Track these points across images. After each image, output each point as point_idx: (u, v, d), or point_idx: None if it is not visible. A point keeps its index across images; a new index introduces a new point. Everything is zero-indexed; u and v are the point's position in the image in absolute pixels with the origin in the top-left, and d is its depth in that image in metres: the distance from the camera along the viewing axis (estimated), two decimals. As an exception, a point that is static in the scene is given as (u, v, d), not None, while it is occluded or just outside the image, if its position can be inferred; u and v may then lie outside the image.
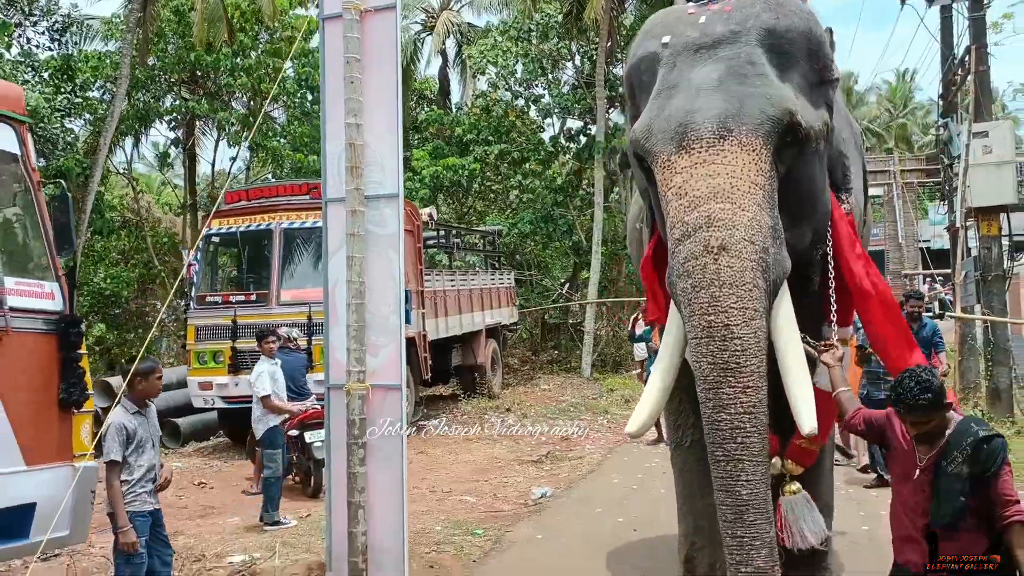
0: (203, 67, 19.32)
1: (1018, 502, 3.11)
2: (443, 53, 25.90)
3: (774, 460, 3.82)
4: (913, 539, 3.35)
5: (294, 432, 8.00)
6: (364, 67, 5.59)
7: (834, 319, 3.92)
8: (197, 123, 21.83)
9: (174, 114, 20.50)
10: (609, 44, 19.14)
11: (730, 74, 3.61)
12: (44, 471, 4.67)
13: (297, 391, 8.29)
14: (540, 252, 23.48)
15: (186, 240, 20.69)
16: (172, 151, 22.91)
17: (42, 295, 4.76)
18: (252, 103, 21.11)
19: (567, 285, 23.69)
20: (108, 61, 18.38)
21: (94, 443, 4.90)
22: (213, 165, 23.32)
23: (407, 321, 7.97)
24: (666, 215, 3.58)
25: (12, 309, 4.51)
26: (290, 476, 8.40)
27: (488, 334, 14.85)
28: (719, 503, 3.31)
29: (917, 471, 3.29)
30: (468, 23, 25.59)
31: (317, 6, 6.21)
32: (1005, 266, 11.30)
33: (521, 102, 22.50)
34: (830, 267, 3.92)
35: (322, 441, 7.74)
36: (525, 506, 7.84)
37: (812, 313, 3.89)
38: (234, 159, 24.08)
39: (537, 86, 22.69)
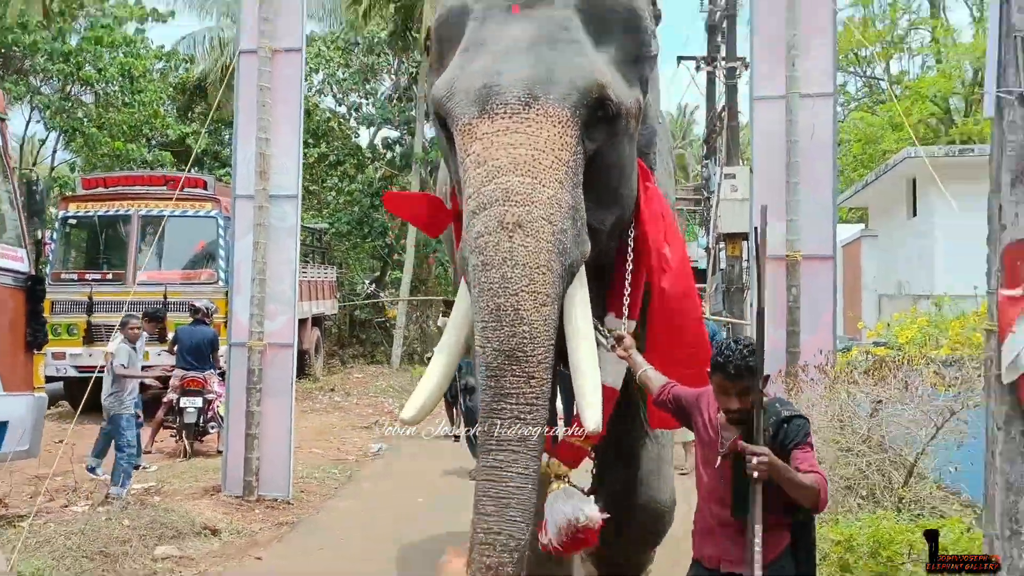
0: (20, 48, 19.28)
1: (820, 473, 2.91)
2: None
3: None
4: (713, 531, 3.11)
5: (172, 396, 9.12)
6: (273, 93, 7.14)
7: (626, 312, 3.66)
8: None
9: (-15, 91, 20.17)
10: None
11: (542, 37, 3.34)
12: (15, 397, 5.87)
13: (196, 362, 9.21)
14: (351, 251, 24.87)
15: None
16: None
17: (15, 258, 5.96)
18: (67, 88, 21.13)
19: (374, 284, 25.30)
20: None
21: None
22: (21, 146, 22.93)
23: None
24: (463, 184, 3.29)
25: (6, 270, 5.72)
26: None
27: (313, 323, 16.21)
28: (481, 492, 3.04)
29: (719, 458, 3.06)
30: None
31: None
32: (744, 280, 14.23)
33: (343, 109, 23.89)
34: (629, 256, 3.69)
35: (195, 407, 9.01)
36: (366, 456, 9.50)
37: (601, 301, 3.65)
38: (43, 141, 23.75)
39: (358, 95, 24.14)
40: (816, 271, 6.50)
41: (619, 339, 3.55)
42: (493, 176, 3.15)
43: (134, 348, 7.70)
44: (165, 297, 11.05)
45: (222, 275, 11.38)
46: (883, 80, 20.27)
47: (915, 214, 13.17)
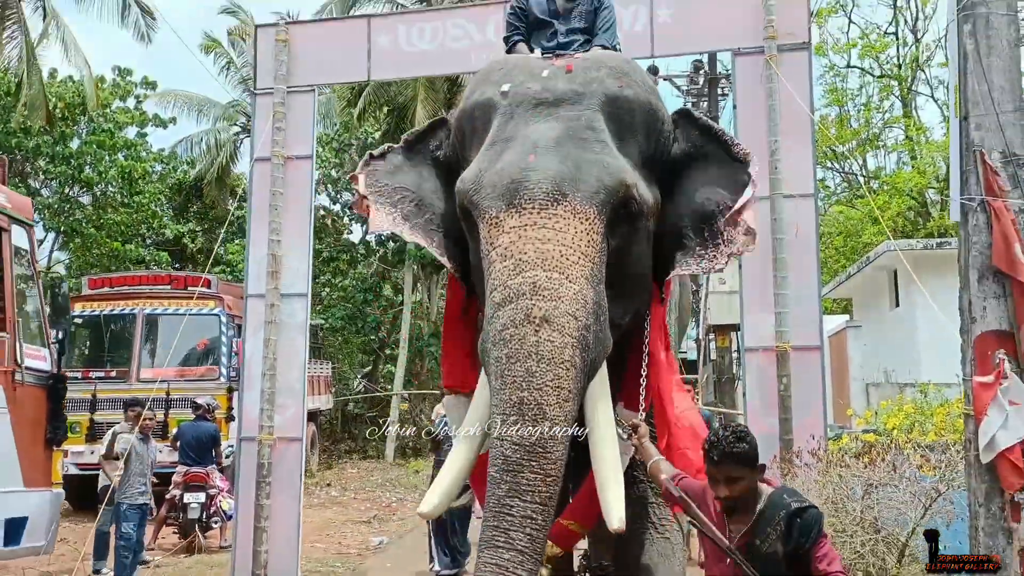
0: (22, 152, 19.85)
1: (844, 573, 2.89)
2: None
3: None
4: None
5: (176, 492, 9.25)
6: (285, 197, 7.53)
7: (643, 406, 3.70)
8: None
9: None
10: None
11: (569, 136, 3.44)
12: (35, 493, 6.04)
13: (199, 458, 9.41)
14: (343, 346, 25.09)
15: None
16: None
17: (39, 358, 6.22)
18: (66, 189, 21.65)
19: (366, 378, 25.46)
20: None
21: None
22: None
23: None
24: (487, 275, 3.32)
25: (26, 368, 5.97)
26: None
27: (309, 417, 16.34)
28: None
29: (727, 557, 2.95)
30: (284, 129, 27.38)
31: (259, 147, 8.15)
32: (734, 371, 14.54)
33: (337, 207, 24.51)
34: (645, 349, 3.72)
35: (199, 502, 9.13)
36: (368, 549, 9.57)
37: (615, 392, 3.60)
38: (42, 241, 24.12)
39: (351, 193, 24.79)
40: (805, 361, 6.80)
41: (634, 427, 3.53)
42: (520, 270, 3.19)
43: (144, 441, 7.86)
44: (168, 394, 11.24)
45: (223, 371, 11.60)
46: (860, 176, 21.06)
47: (897, 304, 13.60)
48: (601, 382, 3.33)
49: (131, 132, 22.70)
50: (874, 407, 9.82)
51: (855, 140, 21.19)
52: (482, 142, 3.61)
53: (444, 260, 3.87)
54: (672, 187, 3.82)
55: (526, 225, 3.25)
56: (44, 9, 16.47)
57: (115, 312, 12.12)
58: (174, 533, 9.42)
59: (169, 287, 12.19)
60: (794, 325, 6.80)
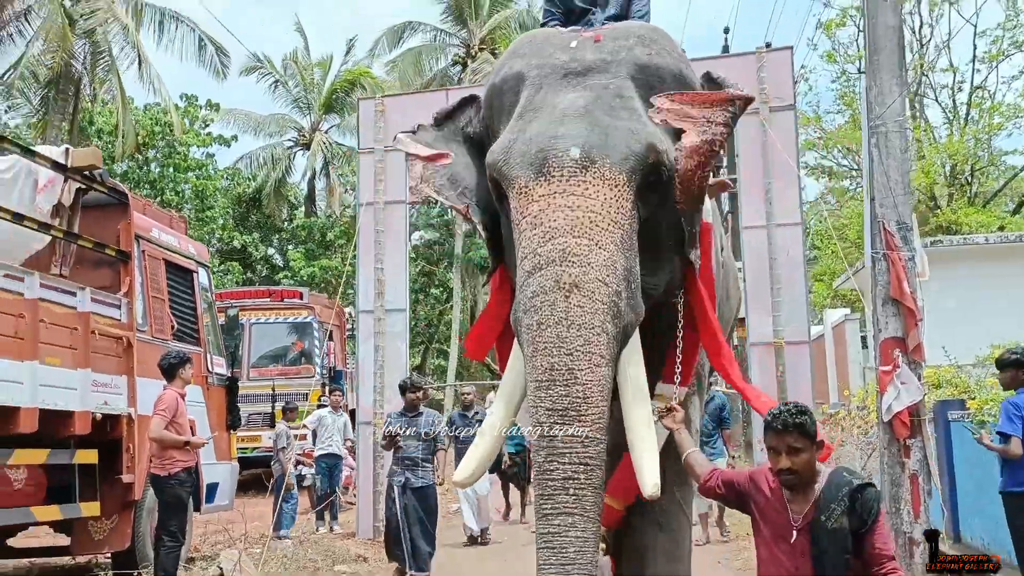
0: (114, 177, 22.17)
1: (893, 558, 2.93)
2: (313, 167, 29.66)
3: None
4: None
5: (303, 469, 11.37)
6: (386, 234, 9.62)
7: (678, 379, 3.69)
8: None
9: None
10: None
11: (598, 104, 3.42)
12: (222, 465, 8.19)
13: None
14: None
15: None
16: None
17: (220, 365, 8.37)
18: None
19: (415, 371, 27.70)
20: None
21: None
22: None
23: (342, 394, 11.32)
24: (518, 245, 3.32)
25: (216, 374, 8.13)
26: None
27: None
28: (541, 560, 3.00)
29: (794, 532, 2.97)
30: (336, 142, 29.53)
31: (351, 193, 10.36)
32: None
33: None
34: (679, 321, 3.73)
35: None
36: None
37: (651, 367, 3.50)
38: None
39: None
40: (796, 353, 8.78)
41: (670, 410, 3.54)
42: (550, 237, 3.19)
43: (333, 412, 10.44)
44: (273, 390, 13.42)
45: (318, 370, 13.77)
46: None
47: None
48: (633, 348, 3.31)
49: (197, 152, 24.99)
50: (867, 387, 11.71)
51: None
52: (511, 115, 3.60)
53: (480, 228, 3.85)
54: None
55: (555, 193, 3.25)
56: (139, 55, 18.67)
57: (222, 324, 14.32)
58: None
59: (269, 300, 14.38)
60: (787, 325, 8.77)
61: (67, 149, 7.01)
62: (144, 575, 6.78)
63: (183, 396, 6.30)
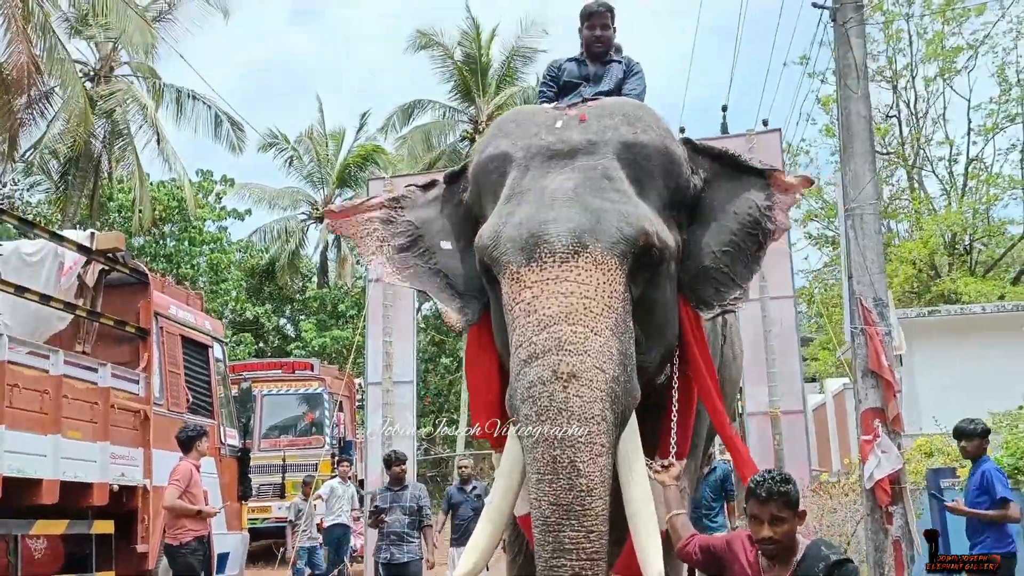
0: (132, 252, 22.76)
1: None
2: (326, 240, 30.22)
3: None
4: None
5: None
6: (393, 307, 9.98)
7: (673, 450, 3.68)
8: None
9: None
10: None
11: (587, 186, 3.40)
12: (233, 535, 8.41)
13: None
14: (404, 412, 27.45)
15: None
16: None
17: (232, 436, 8.65)
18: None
19: (426, 440, 27.79)
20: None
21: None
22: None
23: (350, 464, 11.56)
24: (511, 330, 3.30)
25: (229, 445, 8.42)
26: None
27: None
28: None
29: None
30: (347, 216, 30.16)
31: (363, 266, 10.80)
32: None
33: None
34: (674, 396, 3.73)
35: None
36: None
37: (646, 440, 3.49)
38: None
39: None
40: (792, 421, 9.02)
41: (667, 467, 3.49)
42: (545, 325, 3.16)
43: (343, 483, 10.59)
44: (284, 460, 13.64)
45: (328, 440, 14.00)
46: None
47: (901, 363, 15.57)
48: (632, 432, 3.32)
49: (212, 225, 25.58)
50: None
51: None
52: (498, 196, 3.59)
53: (440, 298, 3.86)
54: (697, 219, 3.80)
55: (548, 279, 3.23)
56: (158, 134, 19.38)
57: (235, 396, 14.64)
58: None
59: (280, 372, 14.70)
60: (783, 394, 9.03)
61: (92, 233, 7.44)
62: (157, 644, 6.98)
63: (198, 467, 6.59)
